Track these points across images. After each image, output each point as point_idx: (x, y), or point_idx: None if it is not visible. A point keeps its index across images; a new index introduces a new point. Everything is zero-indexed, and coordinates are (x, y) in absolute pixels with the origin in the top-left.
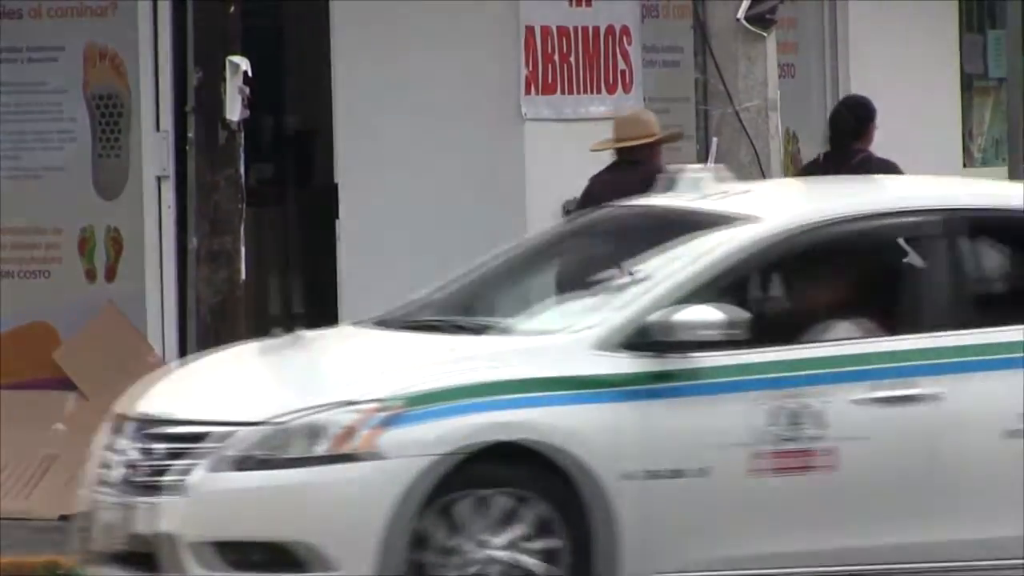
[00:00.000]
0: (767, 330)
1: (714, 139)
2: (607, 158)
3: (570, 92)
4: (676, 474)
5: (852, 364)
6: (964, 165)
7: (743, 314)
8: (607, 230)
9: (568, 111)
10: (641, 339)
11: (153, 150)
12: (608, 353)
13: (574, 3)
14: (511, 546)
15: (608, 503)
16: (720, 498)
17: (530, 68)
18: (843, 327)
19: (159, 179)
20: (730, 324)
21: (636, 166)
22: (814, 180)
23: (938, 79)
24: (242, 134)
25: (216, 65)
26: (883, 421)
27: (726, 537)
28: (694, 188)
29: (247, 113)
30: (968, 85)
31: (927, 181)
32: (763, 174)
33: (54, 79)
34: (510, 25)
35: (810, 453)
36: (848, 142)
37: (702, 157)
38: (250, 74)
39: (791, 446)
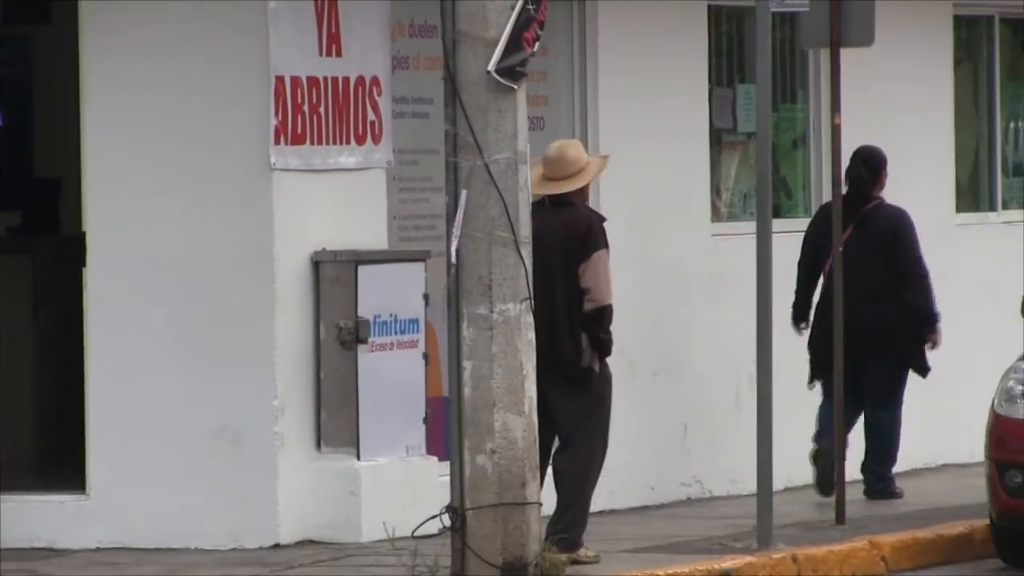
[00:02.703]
0: None
1: (463, 191)
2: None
3: (319, 143)
4: None
5: None
6: (712, 220)
7: None
8: None
9: (317, 161)
10: None
11: None
12: None
13: (324, 53)
14: None
15: None
16: None
17: (279, 118)
18: None
19: None
20: None
21: (560, 208)
22: None
23: (687, 133)
24: None
25: None
26: None
27: None
28: None
29: None
30: (717, 139)
31: None
32: (512, 226)
33: None
34: (260, 74)
35: None
36: (865, 190)
37: (452, 210)
38: None
39: None
